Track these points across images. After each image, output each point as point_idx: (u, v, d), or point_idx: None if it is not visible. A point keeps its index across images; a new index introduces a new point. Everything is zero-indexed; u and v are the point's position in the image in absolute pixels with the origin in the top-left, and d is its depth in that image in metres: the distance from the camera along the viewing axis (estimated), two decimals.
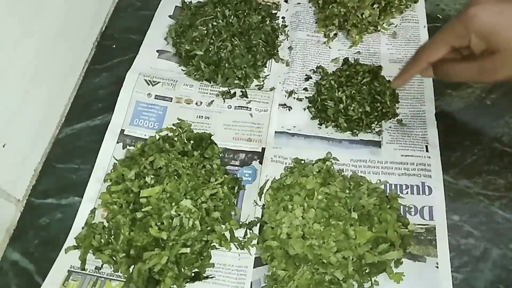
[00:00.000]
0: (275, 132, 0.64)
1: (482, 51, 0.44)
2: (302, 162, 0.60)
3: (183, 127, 0.63)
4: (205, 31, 0.69)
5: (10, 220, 0.57)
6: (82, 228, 0.56)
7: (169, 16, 0.77)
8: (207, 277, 0.52)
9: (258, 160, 0.61)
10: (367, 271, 0.50)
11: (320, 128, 0.64)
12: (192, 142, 0.60)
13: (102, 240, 0.54)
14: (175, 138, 0.62)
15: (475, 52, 0.44)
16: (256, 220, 0.56)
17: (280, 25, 0.76)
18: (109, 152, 0.62)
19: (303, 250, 0.50)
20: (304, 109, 0.66)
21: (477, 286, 0.51)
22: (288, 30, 0.76)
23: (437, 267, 0.52)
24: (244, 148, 0.62)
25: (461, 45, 0.45)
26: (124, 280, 0.52)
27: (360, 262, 0.50)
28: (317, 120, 0.65)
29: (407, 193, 0.57)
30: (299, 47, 0.72)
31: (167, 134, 0.63)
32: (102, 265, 0.53)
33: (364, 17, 0.71)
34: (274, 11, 0.77)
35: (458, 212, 0.56)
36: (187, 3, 0.77)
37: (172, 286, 0.51)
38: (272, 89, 0.68)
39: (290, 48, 0.73)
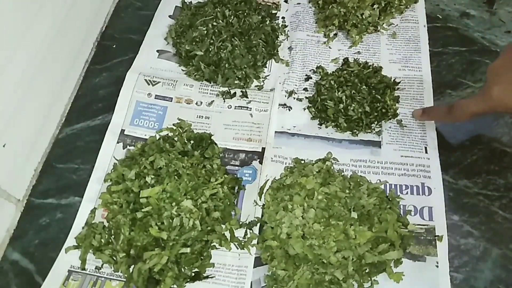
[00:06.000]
0: (275, 132, 0.64)
1: None
2: (302, 162, 0.60)
3: (183, 127, 0.63)
4: (205, 31, 0.69)
5: (10, 220, 0.57)
6: (82, 228, 0.56)
7: (169, 16, 0.77)
8: (207, 277, 0.53)
9: (258, 160, 0.61)
10: (367, 271, 0.50)
11: (320, 128, 0.64)
12: (192, 142, 0.60)
13: (102, 240, 0.54)
14: (175, 138, 0.61)
15: None
16: (256, 220, 0.56)
17: (280, 25, 0.76)
18: (109, 152, 0.62)
19: (303, 250, 0.50)
20: (304, 109, 0.66)
21: (477, 286, 0.51)
22: (288, 30, 0.76)
23: (437, 266, 0.52)
24: (244, 148, 0.62)
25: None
26: (124, 280, 0.52)
27: (360, 262, 0.50)
28: (317, 120, 0.65)
29: (406, 193, 0.57)
30: (299, 47, 0.72)
31: (167, 134, 0.63)
32: (102, 265, 0.53)
33: (364, 17, 0.71)
34: (274, 11, 0.77)
35: (458, 212, 0.56)
36: (187, 3, 0.77)
37: (172, 286, 0.51)
38: (272, 89, 0.68)
39: (290, 48, 0.73)
